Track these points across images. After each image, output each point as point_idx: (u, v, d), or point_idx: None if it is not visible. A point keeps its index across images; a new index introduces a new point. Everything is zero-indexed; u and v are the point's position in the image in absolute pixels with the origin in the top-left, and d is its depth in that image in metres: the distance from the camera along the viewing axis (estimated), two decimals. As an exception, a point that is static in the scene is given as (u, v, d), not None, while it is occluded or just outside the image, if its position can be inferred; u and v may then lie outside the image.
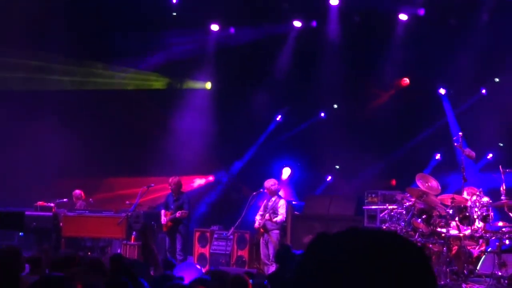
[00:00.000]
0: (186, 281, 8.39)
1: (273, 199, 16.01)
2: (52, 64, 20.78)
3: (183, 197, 17.23)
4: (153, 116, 21.38)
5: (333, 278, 1.83)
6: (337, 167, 21.15)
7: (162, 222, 17.01)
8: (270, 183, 16.20)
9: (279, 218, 15.78)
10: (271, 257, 15.45)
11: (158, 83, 21.98)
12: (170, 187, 17.25)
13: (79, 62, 21.07)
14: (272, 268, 14.85)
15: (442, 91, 19.88)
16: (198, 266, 13.27)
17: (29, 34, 19.45)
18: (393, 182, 19.95)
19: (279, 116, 21.87)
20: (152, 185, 17.64)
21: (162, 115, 21.46)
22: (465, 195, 13.97)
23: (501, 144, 18.66)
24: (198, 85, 22.09)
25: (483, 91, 19.35)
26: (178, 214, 16.77)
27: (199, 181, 21.89)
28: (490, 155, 18.70)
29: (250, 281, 7.99)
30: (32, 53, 20.32)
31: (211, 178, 22.00)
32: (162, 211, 17.15)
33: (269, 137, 21.64)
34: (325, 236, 1.97)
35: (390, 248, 1.87)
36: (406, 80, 20.36)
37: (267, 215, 15.78)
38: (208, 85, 22.11)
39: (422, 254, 1.91)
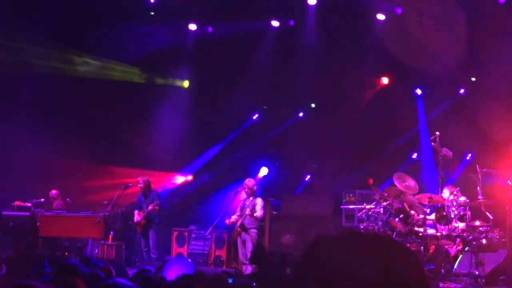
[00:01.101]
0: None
1: (251, 198, 16.05)
2: (29, 46, 20.29)
3: (153, 194, 17.28)
4: (130, 109, 21.14)
5: (330, 280, 1.85)
6: (315, 166, 21.17)
7: (135, 221, 17.05)
8: (252, 182, 16.25)
9: (258, 214, 15.78)
10: (248, 256, 15.46)
11: (137, 77, 21.79)
12: (139, 185, 17.27)
13: (57, 48, 20.66)
14: (250, 268, 14.86)
15: (418, 91, 19.92)
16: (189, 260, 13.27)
17: (8, 15, 19.23)
18: (371, 181, 19.99)
19: (256, 115, 21.85)
20: (130, 185, 17.62)
21: (139, 110, 21.28)
22: (446, 194, 14.04)
23: (476, 143, 18.74)
24: (176, 82, 22.02)
25: (461, 91, 19.42)
26: (150, 207, 16.80)
27: (178, 179, 21.83)
28: (469, 155, 18.77)
29: (229, 280, 7.99)
30: (8, 33, 19.89)
31: (190, 177, 21.95)
32: (136, 211, 17.18)
33: (248, 136, 21.59)
34: (323, 239, 1.99)
35: (384, 252, 1.89)
36: (385, 80, 20.39)
37: (247, 210, 15.78)
38: (186, 84, 22.06)
39: (415, 259, 1.93)
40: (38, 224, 17.35)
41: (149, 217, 16.95)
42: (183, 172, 21.94)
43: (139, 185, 17.32)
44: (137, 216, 17.05)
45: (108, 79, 21.36)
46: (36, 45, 20.25)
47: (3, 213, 17.29)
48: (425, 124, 19.61)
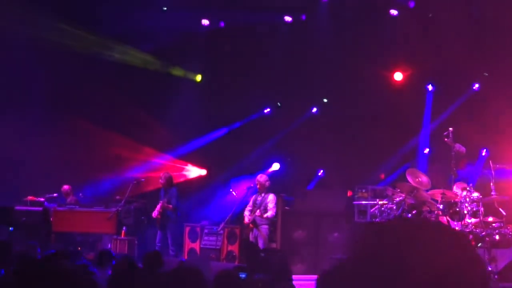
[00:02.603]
0: None
1: (262, 194, 16.04)
2: (46, 23, 19.97)
3: (172, 192, 17.27)
4: (144, 97, 21.05)
5: (386, 261, 1.85)
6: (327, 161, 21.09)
7: (153, 216, 17.09)
8: (264, 178, 16.23)
9: (269, 214, 15.80)
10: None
11: (152, 65, 21.60)
12: (160, 181, 17.29)
13: (72, 26, 20.38)
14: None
15: (430, 87, 19.79)
16: None
17: None
18: (382, 176, 19.94)
19: (268, 109, 21.77)
20: (142, 180, 17.65)
21: (152, 98, 21.20)
22: (458, 191, 13.99)
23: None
24: (189, 76, 21.98)
25: (476, 86, 19.28)
26: (159, 205, 16.81)
27: (192, 171, 21.77)
28: (484, 151, 18.67)
29: (242, 275, 7.96)
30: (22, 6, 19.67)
31: (204, 171, 21.90)
32: (158, 205, 17.24)
33: (261, 131, 21.52)
34: (375, 224, 2.00)
35: (435, 236, 1.89)
36: (398, 75, 20.27)
37: (257, 211, 15.78)
38: (199, 78, 22.02)
39: (467, 242, 1.93)
40: (51, 219, 17.39)
41: (165, 214, 16.97)
42: (198, 165, 21.90)
43: (160, 180, 17.33)
44: (155, 211, 17.09)
45: (127, 65, 21.11)
46: (54, 22, 19.95)
47: (16, 208, 17.32)
48: (429, 120, 19.57)
